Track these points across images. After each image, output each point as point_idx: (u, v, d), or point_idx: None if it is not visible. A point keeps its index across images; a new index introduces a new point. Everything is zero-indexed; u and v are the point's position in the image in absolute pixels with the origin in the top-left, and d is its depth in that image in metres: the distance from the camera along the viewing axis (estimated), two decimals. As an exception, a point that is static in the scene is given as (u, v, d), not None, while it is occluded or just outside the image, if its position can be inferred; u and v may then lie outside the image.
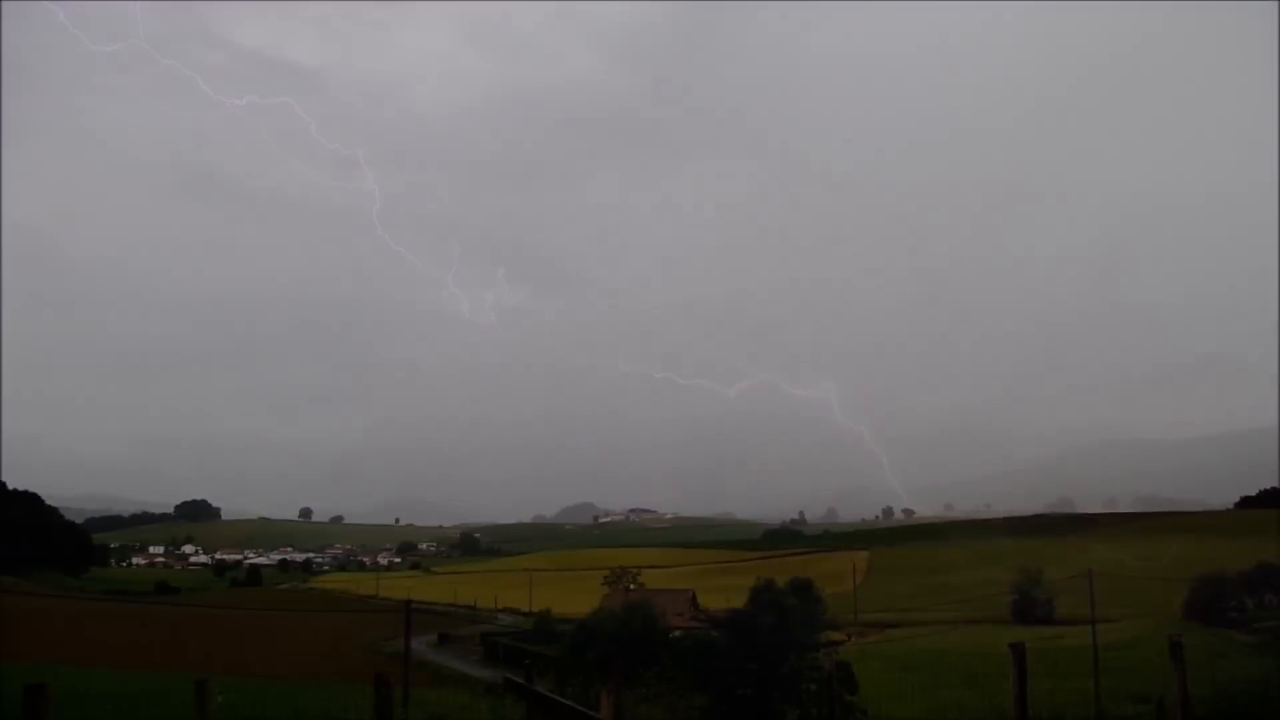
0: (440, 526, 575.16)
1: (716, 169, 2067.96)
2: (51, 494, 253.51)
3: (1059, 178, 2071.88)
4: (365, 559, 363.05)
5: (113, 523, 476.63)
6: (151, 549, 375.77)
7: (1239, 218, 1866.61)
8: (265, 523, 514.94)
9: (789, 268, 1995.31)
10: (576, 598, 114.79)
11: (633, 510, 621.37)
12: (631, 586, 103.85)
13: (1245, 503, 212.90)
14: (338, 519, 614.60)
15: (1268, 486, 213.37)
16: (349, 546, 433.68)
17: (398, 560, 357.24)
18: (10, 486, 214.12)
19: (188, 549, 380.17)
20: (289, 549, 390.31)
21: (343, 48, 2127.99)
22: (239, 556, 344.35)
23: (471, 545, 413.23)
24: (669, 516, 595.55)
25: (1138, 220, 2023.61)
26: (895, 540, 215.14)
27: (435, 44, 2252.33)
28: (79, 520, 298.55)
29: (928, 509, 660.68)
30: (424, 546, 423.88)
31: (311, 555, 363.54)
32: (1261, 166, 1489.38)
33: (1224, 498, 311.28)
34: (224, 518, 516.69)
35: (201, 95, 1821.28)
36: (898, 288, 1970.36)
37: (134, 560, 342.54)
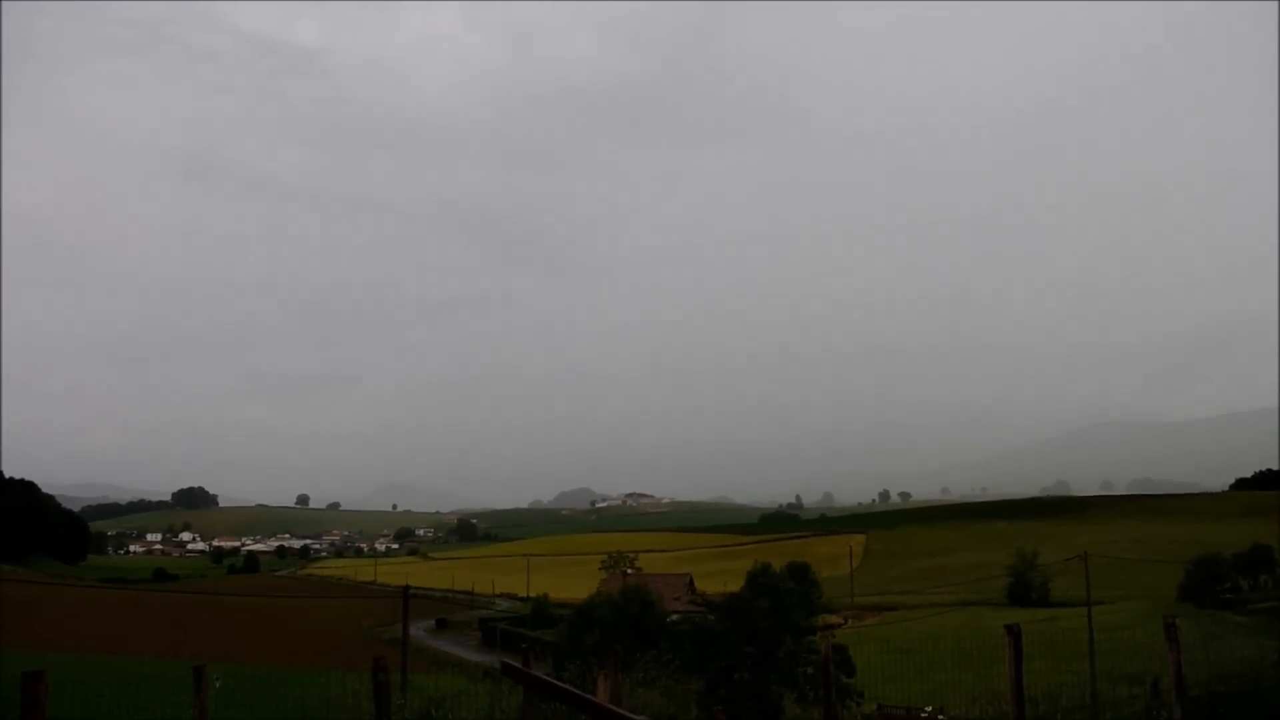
0: (437, 512, 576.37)
1: (725, 156, 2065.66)
2: (49, 482, 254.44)
3: (1062, 165, 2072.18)
4: (363, 545, 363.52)
5: (110, 510, 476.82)
6: (149, 536, 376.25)
7: (1238, 205, 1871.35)
8: (263, 509, 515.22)
9: (794, 255, 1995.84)
10: (574, 582, 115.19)
11: (630, 495, 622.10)
12: (629, 571, 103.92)
13: (1241, 484, 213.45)
14: (335, 505, 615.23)
15: (1263, 468, 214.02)
16: (346, 532, 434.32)
17: (395, 546, 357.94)
18: (7, 475, 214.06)
19: (185, 536, 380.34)
20: (286, 535, 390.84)
21: (345, 31, 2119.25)
22: (237, 543, 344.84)
23: (469, 531, 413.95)
24: (666, 501, 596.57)
25: (1138, 206, 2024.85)
26: (892, 523, 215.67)
27: (440, 26, 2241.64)
28: (76, 508, 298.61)
29: (924, 492, 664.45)
30: (421, 532, 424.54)
31: (309, 541, 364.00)
32: (1260, 154, 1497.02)
33: (1219, 480, 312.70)
34: (221, 505, 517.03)
35: (202, 79, 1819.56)
36: (898, 274, 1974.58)
37: (132, 548, 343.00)
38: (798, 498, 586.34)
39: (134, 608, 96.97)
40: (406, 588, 34.99)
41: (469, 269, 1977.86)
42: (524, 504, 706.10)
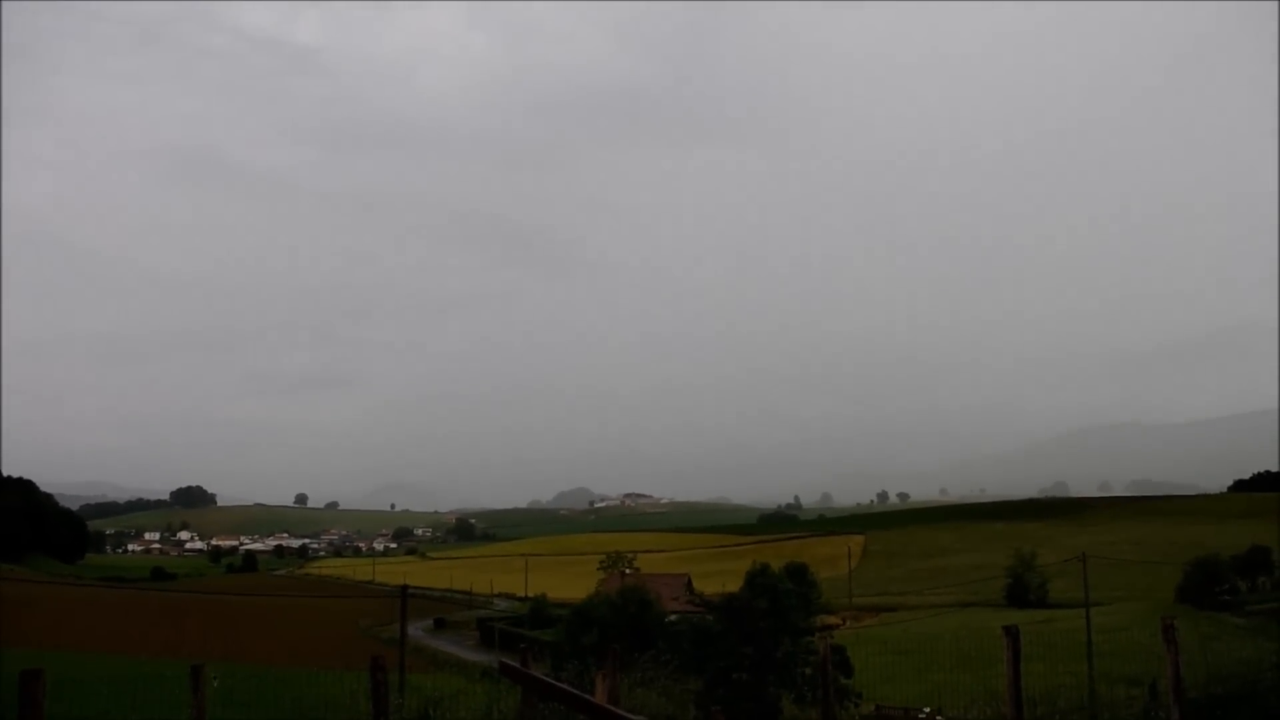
0: (436, 512, 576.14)
1: (725, 157, 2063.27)
2: (47, 481, 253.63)
3: (1062, 171, 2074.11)
4: (361, 544, 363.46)
5: (108, 509, 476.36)
6: (147, 535, 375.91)
7: (1238, 208, 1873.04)
8: (261, 509, 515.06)
9: (794, 257, 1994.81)
10: (572, 582, 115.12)
11: (628, 495, 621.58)
12: (627, 571, 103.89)
13: (1239, 486, 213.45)
14: (333, 505, 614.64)
15: (1261, 470, 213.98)
16: (344, 532, 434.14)
17: (393, 545, 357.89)
18: (6, 473, 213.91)
19: (184, 535, 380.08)
20: (285, 535, 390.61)
21: (345, 30, 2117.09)
22: (235, 542, 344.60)
23: (467, 530, 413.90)
24: (664, 501, 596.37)
25: (1137, 209, 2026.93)
26: (890, 524, 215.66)
27: (439, 24, 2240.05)
28: (74, 507, 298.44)
29: (922, 493, 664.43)
30: (419, 532, 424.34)
31: (307, 541, 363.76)
32: (1261, 157, 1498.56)
33: (1218, 481, 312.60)
34: (220, 504, 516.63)
35: (202, 78, 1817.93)
36: (898, 275, 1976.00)
37: (130, 547, 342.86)
38: (796, 498, 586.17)
39: (132, 607, 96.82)
40: (404, 587, 35.02)
41: (469, 269, 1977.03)
42: (522, 504, 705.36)
